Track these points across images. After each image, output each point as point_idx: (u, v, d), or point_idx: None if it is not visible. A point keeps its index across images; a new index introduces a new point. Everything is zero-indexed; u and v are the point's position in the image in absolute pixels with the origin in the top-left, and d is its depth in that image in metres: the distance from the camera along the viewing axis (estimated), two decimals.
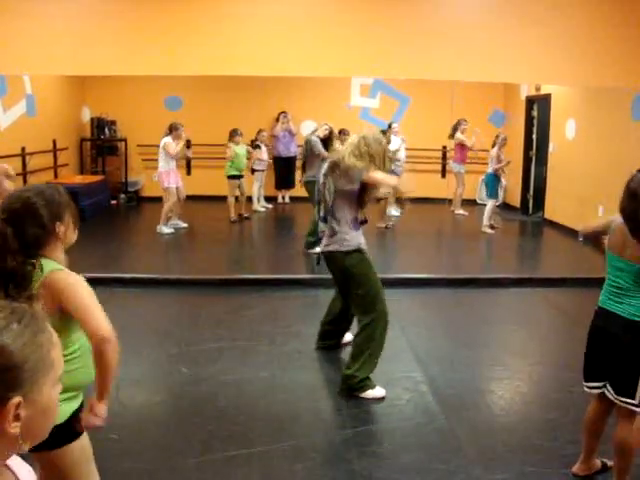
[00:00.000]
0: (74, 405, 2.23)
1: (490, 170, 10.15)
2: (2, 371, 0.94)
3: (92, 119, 12.37)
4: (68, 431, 2.20)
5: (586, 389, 3.30)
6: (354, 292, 4.49)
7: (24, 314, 1.01)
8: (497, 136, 10.20)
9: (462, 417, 4.17)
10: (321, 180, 4.56)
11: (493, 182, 10.20)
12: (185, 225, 9.97)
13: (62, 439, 2.16)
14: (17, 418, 0.96)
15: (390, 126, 10.61)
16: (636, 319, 2.99)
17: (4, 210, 2.11)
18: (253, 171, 11.45)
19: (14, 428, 0.96)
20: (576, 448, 3.54)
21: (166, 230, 9.51)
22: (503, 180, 11.00)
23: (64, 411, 2.18)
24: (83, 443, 2.26)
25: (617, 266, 3.07)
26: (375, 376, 4.44)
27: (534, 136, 11.90)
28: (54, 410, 1.05)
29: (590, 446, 3.37)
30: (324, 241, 4.54)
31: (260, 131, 11.39)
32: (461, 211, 11.62)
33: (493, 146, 10.11)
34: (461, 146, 11.25)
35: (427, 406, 4.30)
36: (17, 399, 0.95)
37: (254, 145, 11.27)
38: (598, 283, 3.35)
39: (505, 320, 6.43)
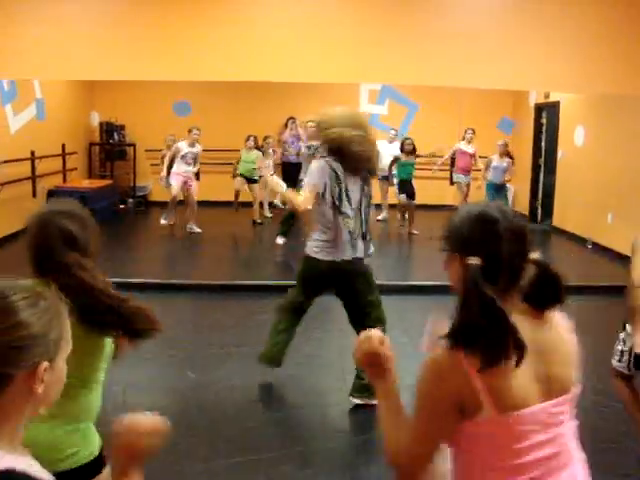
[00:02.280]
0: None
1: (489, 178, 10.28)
2: (37, 338, 1.13)
3: (101, 124, 12.42)
4: (100, 461, 2.13)
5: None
6: (370, 299, 4.22)
7: (47, 295, 1.20)
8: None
9: None
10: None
11: (490, 190, 10.32)
12: (199, 230, 10.05)
13: (97, 469, 2.11)
14: (42, 381, 1.15)
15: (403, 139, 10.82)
16: None
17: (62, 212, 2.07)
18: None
19: (40, 389, 1.14)
20: (590, 455, 3.50)
21: (162, 221, 10.40)
22: (509, 186, 11.09)
23: (97, 441, 2.11)
24: (108, 471, 2.23)
25: None
26: None
27: (543, 143, 11.87)
28: (63, 380, 1.23)
29: None
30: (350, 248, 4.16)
31: (266, 137, 11.40)
32: None
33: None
34: (461, 154, 11.15)
35: None
36: (46, 364, 1.14)
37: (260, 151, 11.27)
38: (607, 291, 3.34)
39: None
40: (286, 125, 12.42)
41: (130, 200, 12.28)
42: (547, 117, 11.72)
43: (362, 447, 3.79)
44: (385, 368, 1.67)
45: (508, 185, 11.14)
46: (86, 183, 11.43)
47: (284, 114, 12.46)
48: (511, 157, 10.35)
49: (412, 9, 6.94)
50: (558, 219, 11.07)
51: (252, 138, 10.82)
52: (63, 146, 11.03)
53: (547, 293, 1.55)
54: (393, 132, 11.60)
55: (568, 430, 1.56)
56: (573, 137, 10.45)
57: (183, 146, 9.91)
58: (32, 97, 9.89)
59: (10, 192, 8.91)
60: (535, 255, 1.54)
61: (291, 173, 12.37)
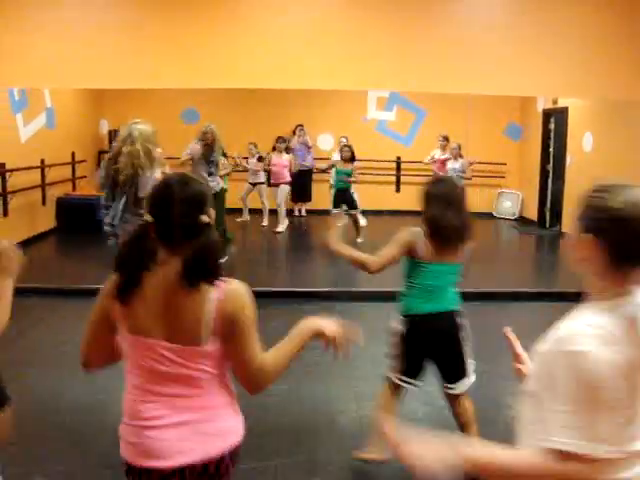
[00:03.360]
0: None
1: None
2: None
3: (110, 132, 12.47)
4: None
5: (403, 383, 3.53)
6: None
7: None
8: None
9: (479, 432, 4.12)
10: None
11: None
12: None
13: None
14: None
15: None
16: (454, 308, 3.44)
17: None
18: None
19: None
20: None
21: None
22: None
23: None
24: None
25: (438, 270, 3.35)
26: None
27: (551, 149, 11.85)
28: None
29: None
30: None
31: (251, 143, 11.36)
32: None
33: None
34: (435, 161, 11.11)
35: (444, 421, 4.26)
36: None
37: (258, 157, 11.20)
38: None
39: (523, 334, 6.31)
40: (294, 132, 12.45)
41: None
42: (555, 123, 11.69)
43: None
44: None
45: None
46: (95, 191, 11.46)
47: (293, 121, 12.51)
48: (461, 156, 10.27)
49: (419, 17, 6.96)
50: (567, 225, 11.02)
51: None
52: (73, 154, 11.11)
53: (202, 256, 1.85)
54: (344, 140, 11.11)
55: (187, 377, 1.93)
56: (582, 143, 10.42)
57: None
58: (42, 106, 9.96)
59: (20, 200, 8.98)
60: (205, 218, 1.85)
61: (299, 180, 12.40)
